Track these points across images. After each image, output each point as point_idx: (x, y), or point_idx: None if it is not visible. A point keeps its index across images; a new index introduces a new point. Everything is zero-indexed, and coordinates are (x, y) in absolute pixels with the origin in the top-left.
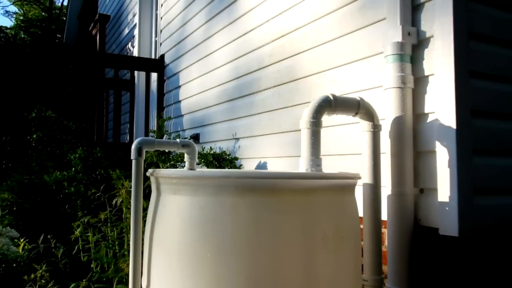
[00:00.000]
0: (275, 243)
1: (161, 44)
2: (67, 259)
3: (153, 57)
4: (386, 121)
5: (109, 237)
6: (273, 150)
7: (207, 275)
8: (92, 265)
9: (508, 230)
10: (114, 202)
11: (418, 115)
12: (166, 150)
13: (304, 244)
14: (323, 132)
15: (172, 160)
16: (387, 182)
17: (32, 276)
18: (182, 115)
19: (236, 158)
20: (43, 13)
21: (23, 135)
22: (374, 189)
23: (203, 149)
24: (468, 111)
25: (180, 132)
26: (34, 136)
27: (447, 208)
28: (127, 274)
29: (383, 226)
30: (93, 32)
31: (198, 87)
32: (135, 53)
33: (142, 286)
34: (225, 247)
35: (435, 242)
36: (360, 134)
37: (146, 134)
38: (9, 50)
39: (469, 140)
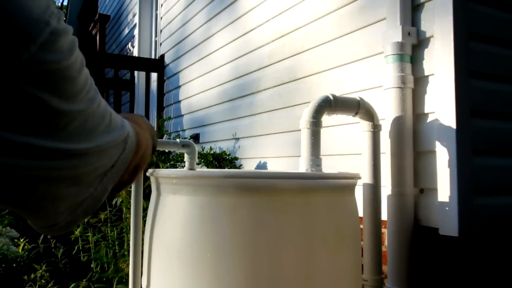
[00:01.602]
0: (275, 243)
1: (161, 44)
2: (67, 259)
3: (153, 57)
4: (386, 121)
5: (109, 237)
6: (273, 150)
7: (207, 275)
8: (92, 265)
9: (507, 230)
10: (114, 202)
11: (418, 115)
12: (166, 150)
13: (304, 244)
14: (323, 132)
15: (172, 160)
16: (387, 182)
17: (32, 276)
18: (182, 115)
19: (236, 158)
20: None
21: None
22: (374, 189)
23: (203, 149)
24: (468, 111)
25: (180, 132)
26: None
27: (447, 208)
28: (127, 274)
29: (383, 226)
30: (93, 32)
31: (198, 87)
32: (135, 53)
33: (142, 286)
34: (225, 247)
35: (435, 242)
36: (360, 134)
37: None
38: None
39: (469, 140)
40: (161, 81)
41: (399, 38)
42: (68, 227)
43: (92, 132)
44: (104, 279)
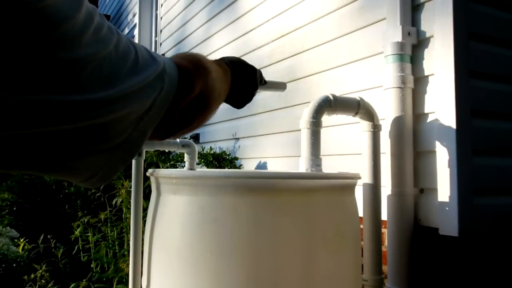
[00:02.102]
0: (275, 243)
1: (161, 44)
2: (67, 259)
3: None
4: (386, 121)
5: (109, 237)
6: (273, 150)
7: (207, 275)
8: (92, 265)
9: (508, 230)
10: (114, 202)
11: (418, 115)
12: (166, 150)
13: (304, 244)
14: (323, 132)
15: (172, 160)
16: (387, 182)
17: (32, 276)
18: None
19: (236, 158)
20: None
21: None
22: (374, 189)
23: (203, 149)
24: (468, 111)
25: None
26: None
27: (447, 208)
28: (127, 274)
29: (383, 226)
30: None
31: None
32: None
33: (142, 286)
34: (225, 247)
35: (435, 242)
36: (360, 134)
37: None
38: None
39: (469, 140)
40: None
41: (399, 38)
42: (108, 176)
43: (112, 77)
44: (104, 279)
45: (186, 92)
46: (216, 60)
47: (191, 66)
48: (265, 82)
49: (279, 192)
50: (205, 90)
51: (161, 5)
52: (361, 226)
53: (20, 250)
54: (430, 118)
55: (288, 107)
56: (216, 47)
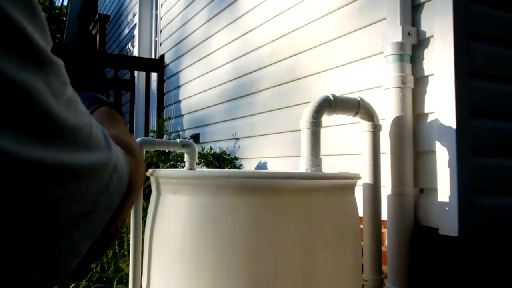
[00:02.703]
0: (275, 243)
1: (161, 44)
2: None
3: (153, 57)
4: (386, 121)
5: None
6: (273, 150)
7: (207, 275)
8: (92, 265)
9: (507, 230)
10: None
11: (418, 115)
12: (166, 150)
13: (304, 244)
14: (323, 132)
15: (172, 160)
16: (387, 182)
17: None
18: (182, 115)
19: (236, 158)
20: (43, 13)
21: None
22: (374, 189)
23: (203, 149)
24: (468, 111)
25: (180, 132)
26: None
27: (447, 208)
28: (127, 274)
29: (383, 226)
30: (93, 32)
31: (198, 87)
32: (135, 53)
33: (142, 286)
34: (225, 247)
35: (435, 242)
36: (360, 134)
37: (146, 134)
38: None
39: (469, 140)
40: (161, 81)
41: (399, 38)
42: None
43: (47, 131)
44: (104, 279)
45: (129, 196)
46: (118, 117)
47: (134, 163)
48: None
49: (279, 192)
50: (140, 183)
51: (161, 5)
52: (361, 226)
53: None
54: (430, 118)
55: (288, 107)
56: (216, 47)
